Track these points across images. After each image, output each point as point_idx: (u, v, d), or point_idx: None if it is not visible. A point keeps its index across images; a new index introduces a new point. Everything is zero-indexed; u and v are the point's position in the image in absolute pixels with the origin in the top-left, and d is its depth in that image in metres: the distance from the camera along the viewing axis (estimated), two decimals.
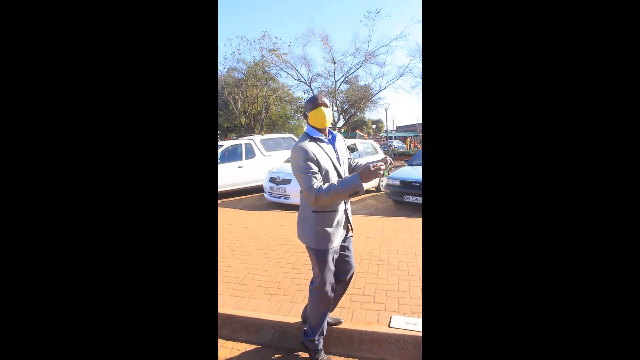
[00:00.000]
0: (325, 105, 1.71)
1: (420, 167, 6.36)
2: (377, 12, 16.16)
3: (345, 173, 1.79)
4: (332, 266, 1.77)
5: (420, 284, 2.58)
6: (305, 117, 1.74)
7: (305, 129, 1.80)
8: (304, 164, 1.59)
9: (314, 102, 1.70)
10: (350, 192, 1.56)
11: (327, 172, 1.66)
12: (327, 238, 1.71)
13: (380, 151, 8.22)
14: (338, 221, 1.75)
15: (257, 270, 3.01)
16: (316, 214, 1.70)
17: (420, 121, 29.72)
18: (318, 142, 1.69)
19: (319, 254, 1.73)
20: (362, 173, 1.58)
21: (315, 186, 1.56)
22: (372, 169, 1.57)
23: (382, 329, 2.03)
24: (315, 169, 1.60)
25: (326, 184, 1.59)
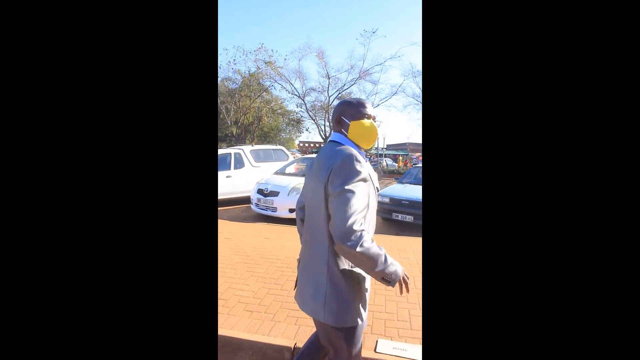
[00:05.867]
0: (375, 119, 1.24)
1: (411, 185, 6.33)
2: (373, 32, 16.59)
3: None
4: (360, 340, 1.19)
5: (408, 305, 2.48)
6: (340, 122, 1.20)
7: (339, 138, 1.21)
8: (359, 182, 1.04)
9: (363, 109, 1.19)
10: (389, 276, 1.04)
11: (372, 204, 1.14)
12: (363, 307, 1.15)
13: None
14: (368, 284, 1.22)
15: (238, 285, 2.86)
16: (350, 271, 1.12)
17: (410, 140, 30.20)
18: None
19: (349, 333, 1.14)
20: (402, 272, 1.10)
21: (364, 232, 0.99)
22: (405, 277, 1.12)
23: (368, 353, 1.91)
24: (365, 201, 1.05)
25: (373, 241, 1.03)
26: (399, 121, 65.65)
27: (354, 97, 1.15)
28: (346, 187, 1.01)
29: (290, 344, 1.99)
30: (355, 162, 1.05)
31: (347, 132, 1.19)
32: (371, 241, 1.00)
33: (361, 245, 0.96)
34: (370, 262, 0.99)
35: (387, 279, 1.04)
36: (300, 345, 1.98)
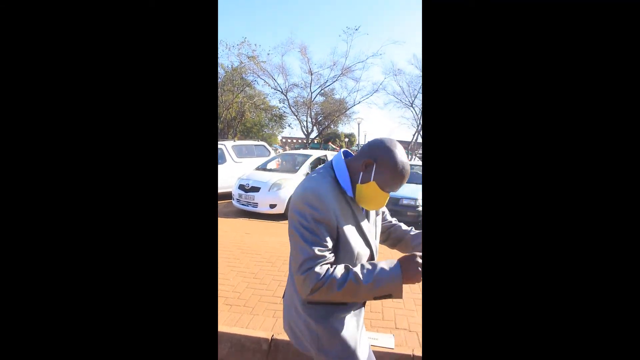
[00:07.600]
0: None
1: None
2: (356, 29, 16.68)
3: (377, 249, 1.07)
4: None
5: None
6: (367, 168, 0.96)
7: (342, 173, 1.00)
8: (309, 223, 0.89)
9: (399, 182, 0.97)
10: (381, 293, 0.89)
11: (351, 249, 0.96)
12: (346, 348, 1.00)
13: None
14: (357, 318, 1.06)
15: (218, 279, 2.90)
16: (313, 309, 1.01)
17: (392, 137, 30.38)
18: (345, 195, 0.97)
19: None
20: (407, 265, 0.91)
21: (316, 268, 0.87)
22: (418, 260, 0.91)
23: None
24: (327, 239, 0.90)
25: (338, 269, 0.89)
26: (380, 118, 65.56)
27: (405, 159, 0.97)
28: (295, 231, 0.91)
29: (267, 335, 2.05)
30: (313, 200, 0.90)
31: (360, 181, 0.97)
32: (325, 280, 0.87)
33: (312, 291, 0.87)
34: (341, 297, 0.89)
35: (382, 297, 0.91)
36: (278, 337, 2.04)
